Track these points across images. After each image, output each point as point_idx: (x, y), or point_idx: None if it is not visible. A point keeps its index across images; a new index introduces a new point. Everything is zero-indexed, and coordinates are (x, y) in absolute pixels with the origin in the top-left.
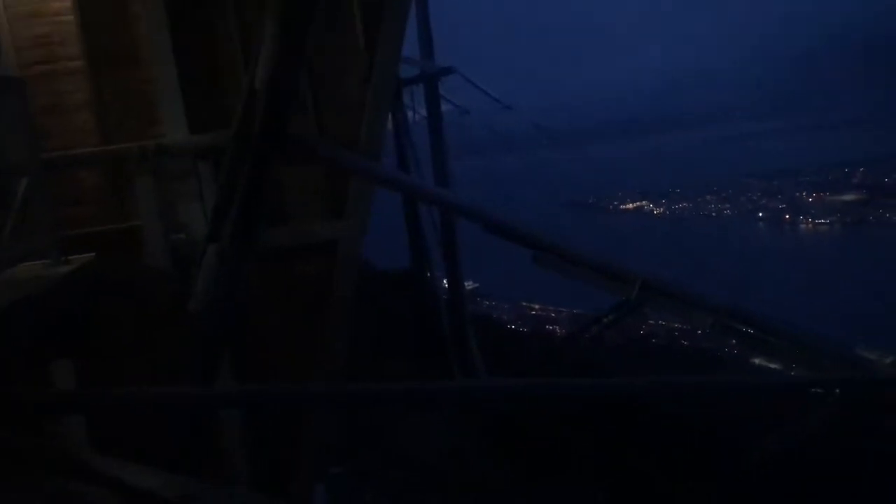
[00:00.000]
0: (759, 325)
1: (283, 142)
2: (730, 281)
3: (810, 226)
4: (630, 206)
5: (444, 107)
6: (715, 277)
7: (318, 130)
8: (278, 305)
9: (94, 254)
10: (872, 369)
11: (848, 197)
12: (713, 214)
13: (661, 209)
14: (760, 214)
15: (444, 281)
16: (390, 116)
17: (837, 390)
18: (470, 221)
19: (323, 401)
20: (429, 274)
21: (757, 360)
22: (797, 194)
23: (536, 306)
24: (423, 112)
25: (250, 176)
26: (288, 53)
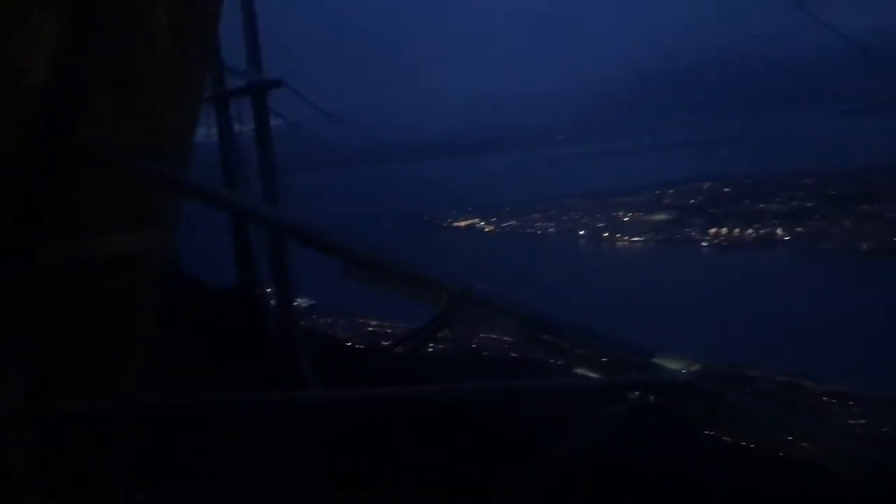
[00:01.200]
0: (560, 332)
1: (68, 149)
2: (551, 293)
3: (627, 243)
4: (463, 223)
5: (276, 121)
6: (539, 290)
7: (119, 138)
8: (76, 321)
9: None
10: (663, 373)
11: (659, 217)
12: (539, 232)
13: (492, 227)
14: (582, 232)
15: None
16: (217, 129)
17: (631, 394)
18: (286, 235)
19: (113, 417)
20: (257, 290)
21: (580, 370)
22: (615, 214)
23: (374, 322)
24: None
25: (26, 186)
26: (70, 52)
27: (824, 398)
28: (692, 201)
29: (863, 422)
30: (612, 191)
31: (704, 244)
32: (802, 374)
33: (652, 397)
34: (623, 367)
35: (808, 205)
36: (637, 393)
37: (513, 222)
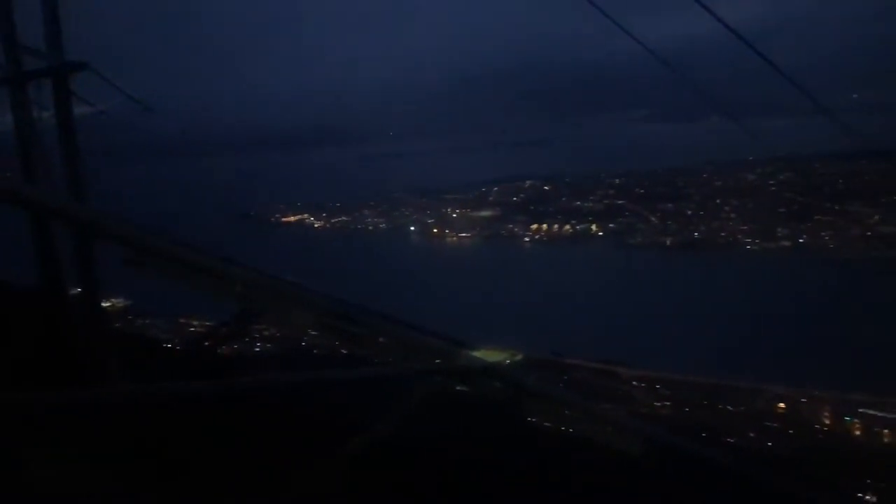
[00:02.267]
0: (364, 323)
1: None
2: (379, 287)
3: (455, 238)
4: (292, 218)
5: (84, 108)
6: (366, 284)
7: None
8: None
9: None
10: (467, 360)
11: (485, 213)
12: (370, 228)
13: (322, 222)
14: (412, 228)
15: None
16: (12, 114)
17: (432, 380)
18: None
19: None
20: (61, 289)
21: (388, 360)
22: (444, 210)
23: (196, 322)
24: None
25: None
26: None
27: (634, 382)
28: (515, 199)
29: (668, 403)
30: (440, 187)
31: (527, 239)
32: (615, 362)
33: (452, 383)
34: (433, 356)
35: (619, 203)
36: (438, 379)
37: (343, 218)
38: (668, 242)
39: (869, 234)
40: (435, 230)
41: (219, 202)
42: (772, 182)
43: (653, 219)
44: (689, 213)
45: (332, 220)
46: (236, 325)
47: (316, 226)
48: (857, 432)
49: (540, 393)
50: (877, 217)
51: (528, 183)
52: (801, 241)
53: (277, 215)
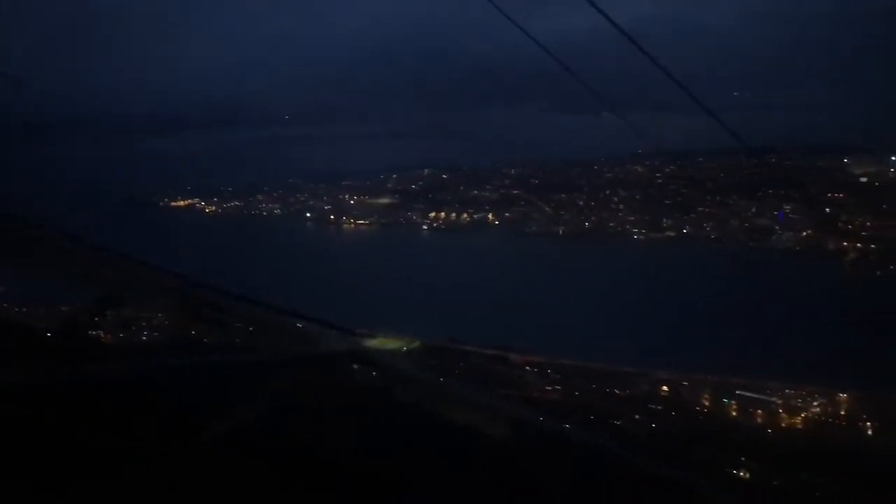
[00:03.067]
0: (231, 309)
1: None
2: (274, 274)
3: (352, 225)
4: (182, 203)
5: None
6: (260, 272)
7: None
8: None
9: None
10: (336, 345)
11: (383, 200)
12: (264, 214)
13: (214, 207)
14: (308, 215)
15: None
16: None
17: (297, 367)
18: None
19: None
20: None
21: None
22: (341, 197)
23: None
24: None
25: None
26: None
27: (527, 367)
28: (413, 187)
29: (559, 387)
30: (338, 174)
31: (425, 227)
32: (509, 347)
33: (322, 369)
34: (305, 342)
35: (515, 192)
36: (308, 366)
37: (236, 203)
38: (560, 232)
39: (746, 225)
40: (332, 217)
41: (104, 186)
42: (658, 175)
43: (547, 209)
44: (581, 203)
45: (225, 206)
46: (96, 310)
47: (207, 211)
48: (734, 413)
49: (413, 378)
50: (753, 209)
51: (426, 171)
52: (685, 231)
53: (166, 200)
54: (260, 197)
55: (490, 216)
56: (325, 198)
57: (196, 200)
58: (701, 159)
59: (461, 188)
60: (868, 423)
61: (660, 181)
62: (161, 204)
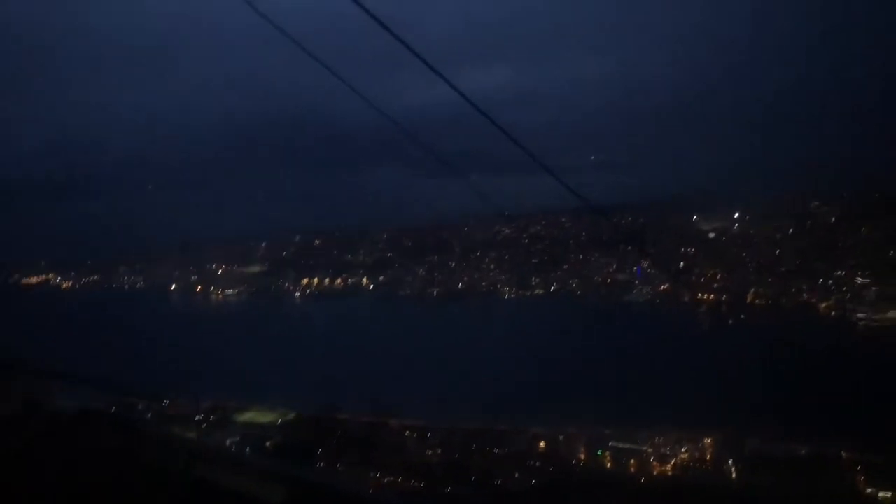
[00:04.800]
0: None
1: None
2: (128, 351)
3: (220, 296)
4: (34, 280)
5: None
6: (114, 349)
7: None
8: None
9: None
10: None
11: (253, 269)
12: (126, 287)
13: (70, 282)
14: (174, 286)
15: None
16: None
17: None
18: None
19: None
20: None
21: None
22: (208, 266)
23: None
24: None
25: None
26: None
27: (406, 433)
28: (284, 253)
29: (439, 450)
30: (204, 241)
31: (297, 294)
32: (387, 413)
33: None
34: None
35: (389, 255)
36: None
37: (95, 277)
38: (434, 293)
39: (608, 280)
40: (198, 287)
41: None
42: (525, 235)
43: (420, 271)
44: (453, 264)
45: (83, 280)
46: None
47: (63, 287)
48: (608, 464)
49: (159, 436)
50: (613, 266)
51: (297, 237)
52: (552, 289)
53: (17, 276)
54: (121, 269)
55: (364, 280)
56: (190, 267)
57: (51, 276)
58: (564, 219)
59: (334, 252)
60: (731, 465)
61: (526, 241)
62: (10, 281)
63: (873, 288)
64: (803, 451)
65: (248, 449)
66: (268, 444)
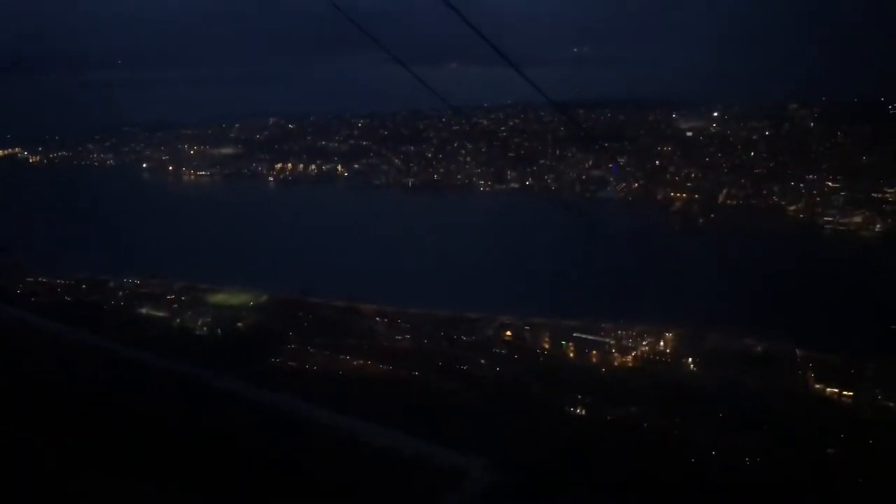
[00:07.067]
0: None
1: None
2: (102, 227)
3: (193, 177)
4: (1, 153)
5: None
6: (87, 223)
7: None
8: None
9: None
10: None
11: (226, 150)
12: (96, 164)
13: (38, 157)
14: (145, 165)
15: None
16: None
17: None
18: None
19: None
20: None
21: (144, 310)
22: (180, 146)
23: None
24: None
25: None
26: None
27: (377, 318)
28: (258, 136)
29: (408, 336)
30: (175, 122)
31: (271, 179)
32: (360, 298)
33: None
34: None
35: (364, 144)
36: None
37: (64, 153)
38: (409, 184)
39: (584, 177)
40: (170, 168)
41: None
42: (503, 128)
43: (395, 160)
44: (429, 155)
45: (51, 156)
46: None
47: (31, 161)
48: (571, 354)
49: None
50: (590, 162)
51: (271, 120)
52: (527, 183)
53: None
54: (91, 146)
55: (339, 168)
56: (162, 147)
57: (18, 150)
58: (542, 113)
59: (308, 138)
60: (690, 359)
61: (504, 134)
62: None
63: (842, 193)
64: (759, 348)
65: (218, 330)
66: (239, 324)
